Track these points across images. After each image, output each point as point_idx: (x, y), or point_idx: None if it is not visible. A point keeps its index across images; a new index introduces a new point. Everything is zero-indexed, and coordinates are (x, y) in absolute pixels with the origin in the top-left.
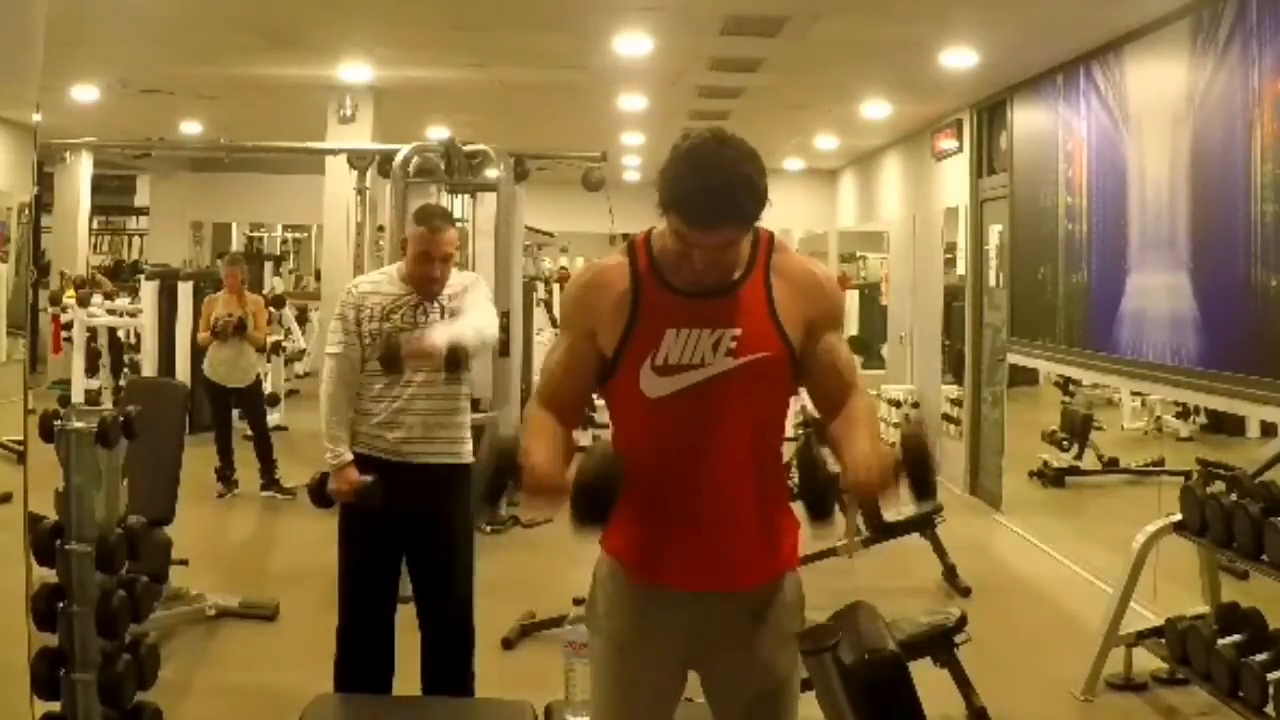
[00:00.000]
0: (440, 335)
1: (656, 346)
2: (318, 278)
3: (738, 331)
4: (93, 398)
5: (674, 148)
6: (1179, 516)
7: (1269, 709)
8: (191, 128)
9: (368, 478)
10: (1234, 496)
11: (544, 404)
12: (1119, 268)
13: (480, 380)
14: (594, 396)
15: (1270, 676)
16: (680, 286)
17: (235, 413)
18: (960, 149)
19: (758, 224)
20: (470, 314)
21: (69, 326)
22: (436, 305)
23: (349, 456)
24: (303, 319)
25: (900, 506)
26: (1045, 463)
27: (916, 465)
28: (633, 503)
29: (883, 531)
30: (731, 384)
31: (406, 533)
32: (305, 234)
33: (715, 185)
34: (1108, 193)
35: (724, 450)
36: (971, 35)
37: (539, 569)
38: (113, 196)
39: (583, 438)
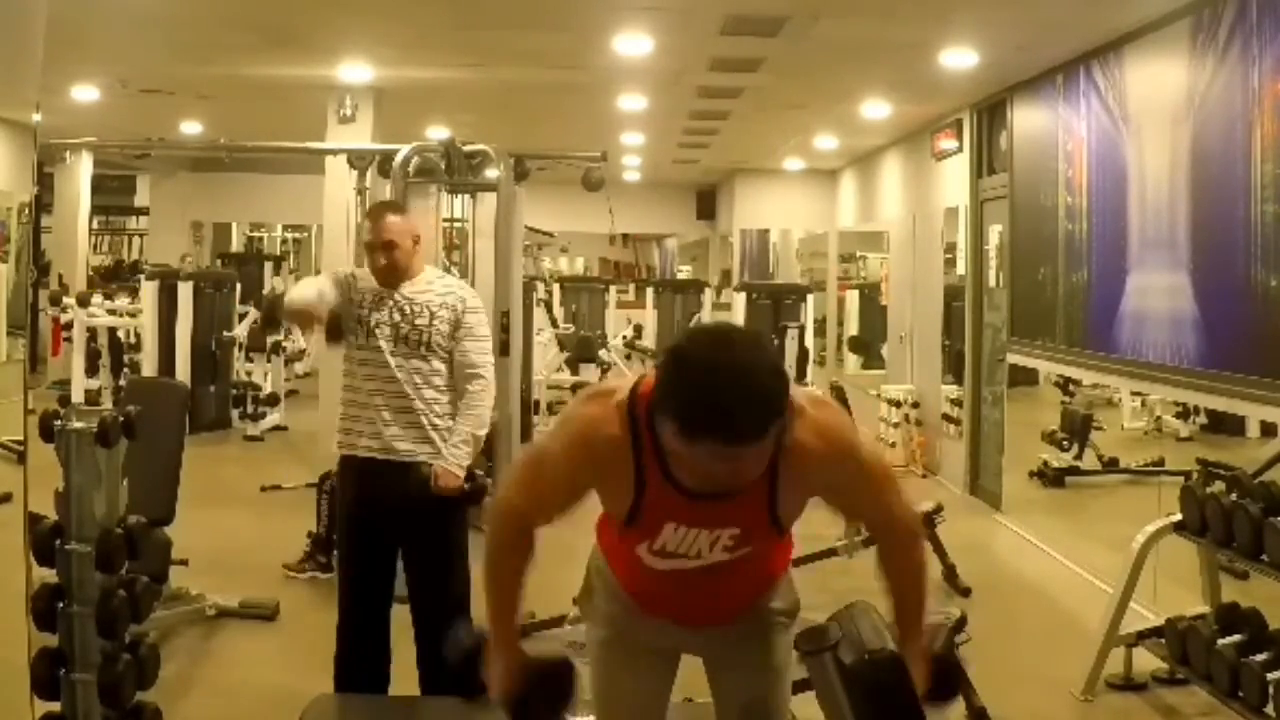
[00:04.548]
0: (455, 469)
1: (655, 536)
2: None
3: (736, 531)
4: (93, 398)
5: (675, 353)
6: (1179, 516)
7: (1269, 709)
8: (191, 128)
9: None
10: (1234, 496)
11: (523, 523)
12: (1119, 268)
13: None
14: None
15: (1270, 676)
16: (685, 484)
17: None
18: (960, 149)
19: None
20: (470, 400)
21: (69, 327)
22: (404, 299)
23: (313, 296)
24: None
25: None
26: (1045, 463)
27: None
28: (626, 585)
29: None
30: (725, 566)
31: (402, 531)
32: (305, 234)
33: (724, 404)
34: (1108, 193)
35: (717, 592)
36: (971, 35)
37: (539, 569)
38: (113, 196)
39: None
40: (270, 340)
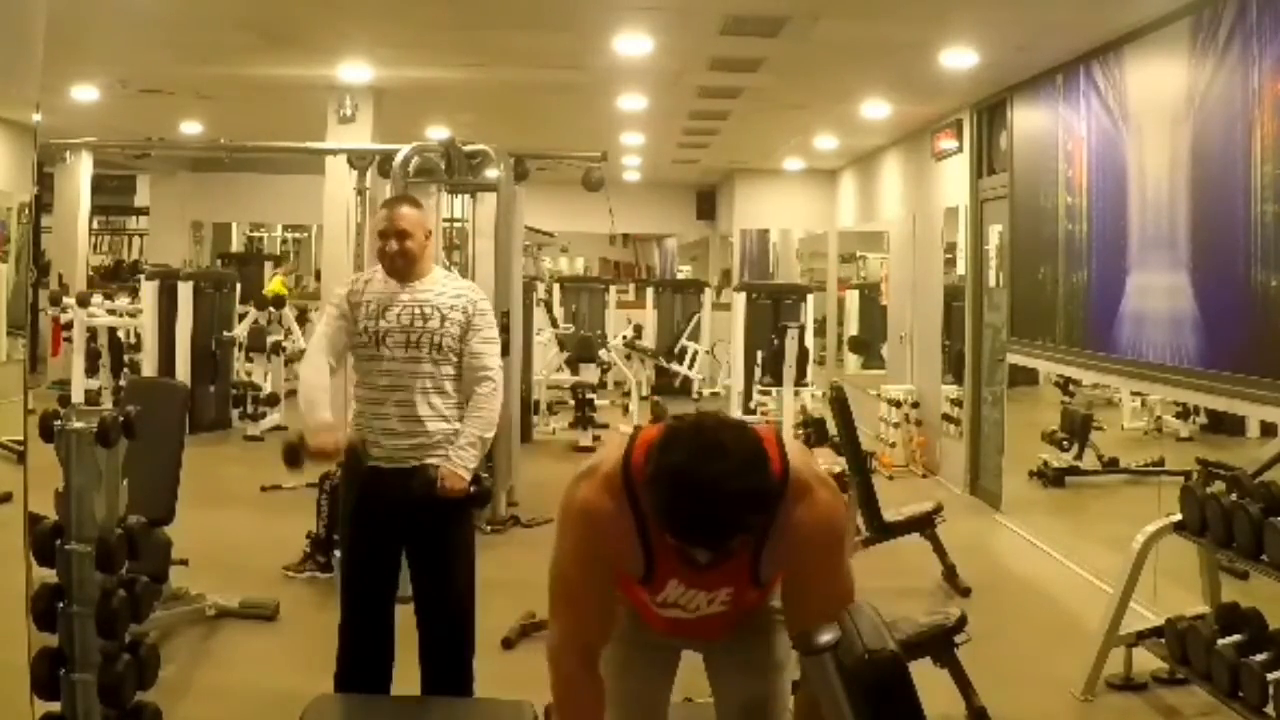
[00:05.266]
0: (461, 471)
1: (659, 591)
2: (318, 278)
3: (731, 590)
4: (93, 398)
5: (660, 458)
6: (1179, 516)
7: (1269, 709)
8: (191, 128)
9: (350, 436)
10: (1234, 496)
11: (584, 654)
12: (1119, 268)
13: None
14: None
15: (1270, 676)
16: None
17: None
18: (960, 149)
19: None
20: (477, 401)
21: (69, 327)
22: (414, 301)
23: (329, 417)
24: (303, 319)
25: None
26: (1045, 463)
27: None
28: (632, 608)
29: (883, 531)
30: (722, 616)
31: (408, 531)
32: (305, 234)
33: (708, 519)
34: (1108, 193)
35: (713, 633)
36: (971, 35)
37: (539, 569)
38: (113, 196)
39: (583, 438)
40: (270, 340)
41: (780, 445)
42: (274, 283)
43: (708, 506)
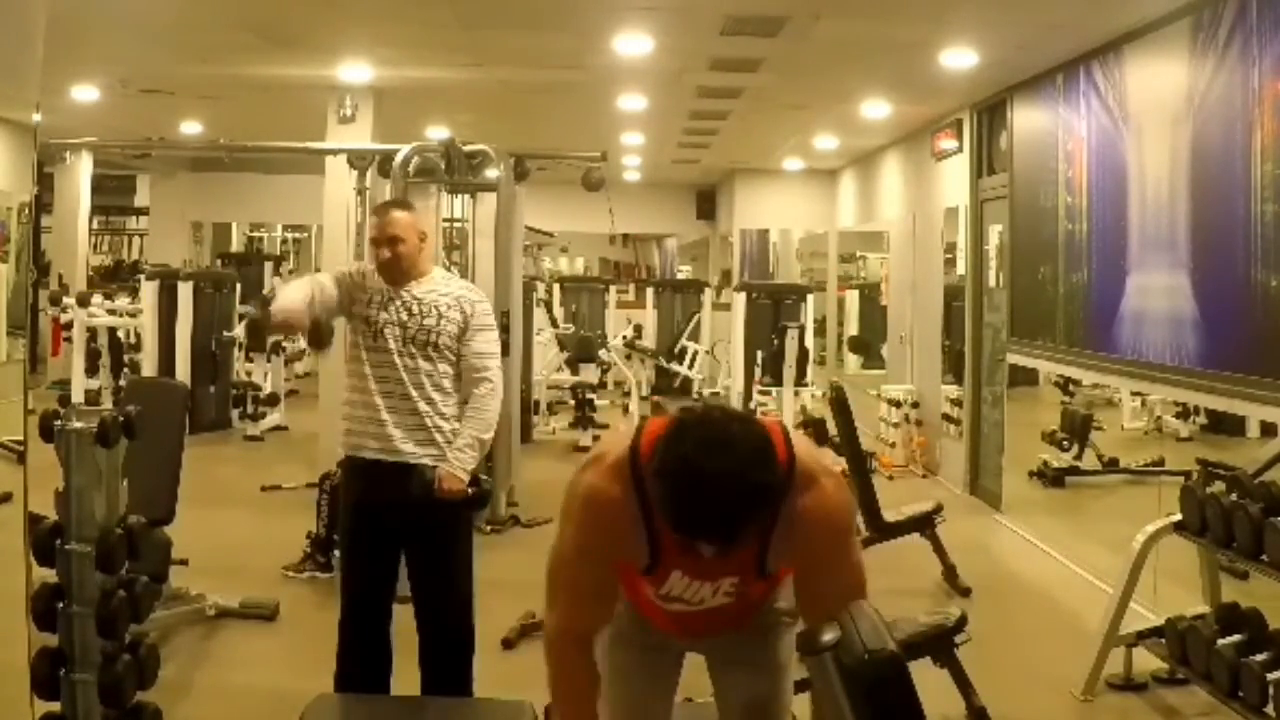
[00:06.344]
0: (460, 472)
1: (663, 583)
2: None
3: (736, 579)
4: (93, 398)
5: (667, 451)
6: (1179, 516)
7: (1269, 709)
8: (191, 128)
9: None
10: (1234, 496)
11: (580, 642)
12: (1119, 268)
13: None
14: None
15: (1270, 676)
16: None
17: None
18: (960, 149)
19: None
20: (476, 403)
21: (69, 327)
22: (412, 299)
23: (300, 306)
24: None
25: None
26: (1045, 463)
27: None
28: (634, 608)
29: (883, 531)
30: (726, 609)
31: (406, 530)
32: (305, 234)
33: (715, 514)
34: (1108, 193)
35: (718, 622)
36: (971, 35)
37: (539, 569)
38: (113, 196)
39: (583, 438)
40: (269, 340)
41: (786, 436)
42: None
43: (713, 502)
